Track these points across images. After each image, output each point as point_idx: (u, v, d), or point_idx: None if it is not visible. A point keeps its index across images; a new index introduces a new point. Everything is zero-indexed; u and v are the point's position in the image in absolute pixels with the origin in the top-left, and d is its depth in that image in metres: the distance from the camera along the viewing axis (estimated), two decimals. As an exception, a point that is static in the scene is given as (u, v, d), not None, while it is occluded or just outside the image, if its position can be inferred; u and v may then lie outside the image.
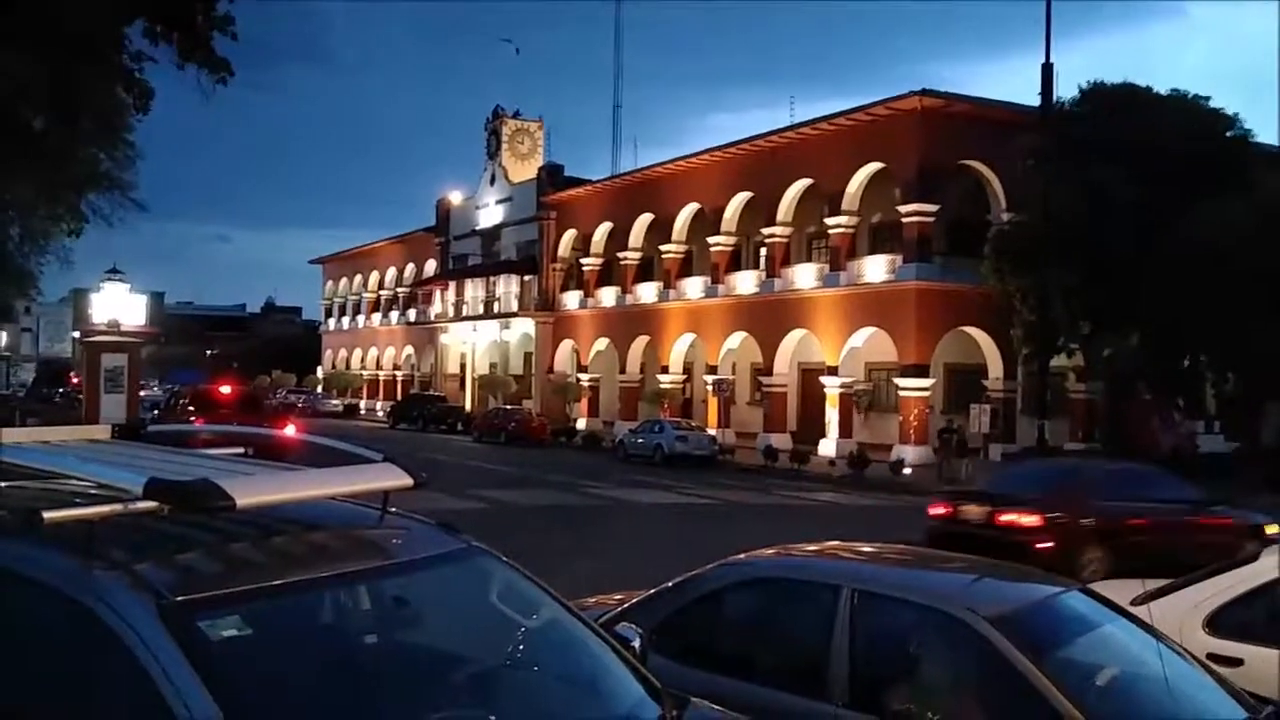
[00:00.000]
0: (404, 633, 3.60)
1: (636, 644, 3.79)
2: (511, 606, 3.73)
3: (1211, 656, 5.36)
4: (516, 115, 60.43)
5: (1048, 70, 26.03)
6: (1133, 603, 5.56)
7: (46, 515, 2.89)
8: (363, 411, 69.09)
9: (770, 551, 5.72)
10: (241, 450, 4.41)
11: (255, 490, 3.09)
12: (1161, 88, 31.63)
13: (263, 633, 3.00)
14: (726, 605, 5.31)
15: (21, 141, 17.09)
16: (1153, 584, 6.15)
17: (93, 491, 3.27)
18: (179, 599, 2.82)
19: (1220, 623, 5.84)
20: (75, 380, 55.85)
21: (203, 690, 2.62)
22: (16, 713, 2.88)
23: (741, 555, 5.58)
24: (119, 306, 22.13)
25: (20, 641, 3.04)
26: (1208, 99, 31.44)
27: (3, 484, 3.64)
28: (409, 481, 3.54)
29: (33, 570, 3.00)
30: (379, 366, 73.41)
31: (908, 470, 29.92)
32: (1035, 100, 27.46)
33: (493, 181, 60.31)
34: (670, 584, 5.50)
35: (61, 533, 2.96)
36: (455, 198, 64.41)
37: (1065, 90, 31.76)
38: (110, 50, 14.47)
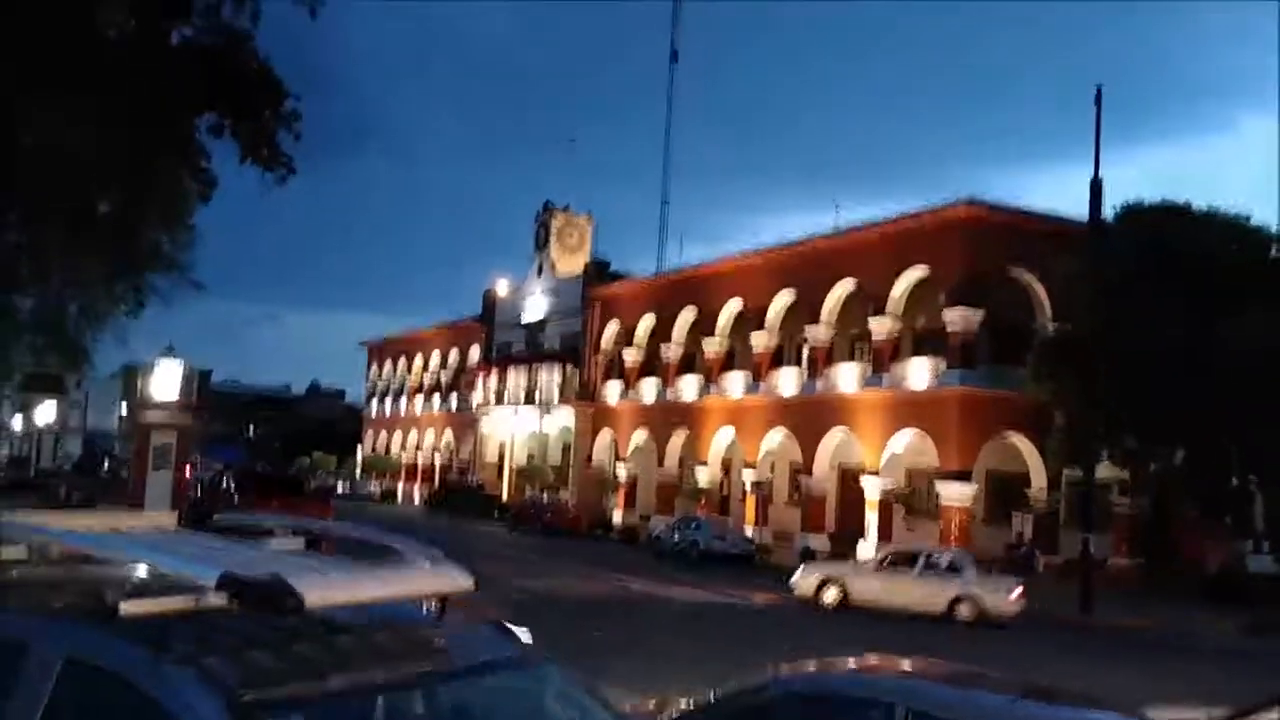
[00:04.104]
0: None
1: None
2: (568, 717, 3.73)
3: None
4: (566, 209, 61.60)
5: (1096, 186, 26.18)
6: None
7: (123, 607, 2.96)
8: (400, 498, 69.34)
9: (814, 665, 5.68)
10: (304, 543, 4.48)
11: (323, 590, 3.14)
12: (1213, 202, 31.78)
13: None
14: None
15: (88, 223, 17.63)
16: (1217, 713, 6.03)
17: (162, 582, 3.33)
18: (247, 698, 2.86)
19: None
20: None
21: None
22: None
23: (786, 668, 5.55)
24: (172, 386, 22.42)
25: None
26: (1248, 217, 31.46)
27: (72, 569, 3.73)
28: (470, 584, 3.60)
29: (106, 660, 3.06)
30: (419, 450, 73.78)
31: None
32: (1084, 209, 27.51)
33: (540, 273, 61.21)
34: (714, 696, 5.46)
35: (135, 623, 3.02)
36: (502, 288, 65.33)
37: (1116, 199, 31.94)
38: (182, 140, 14.91)
